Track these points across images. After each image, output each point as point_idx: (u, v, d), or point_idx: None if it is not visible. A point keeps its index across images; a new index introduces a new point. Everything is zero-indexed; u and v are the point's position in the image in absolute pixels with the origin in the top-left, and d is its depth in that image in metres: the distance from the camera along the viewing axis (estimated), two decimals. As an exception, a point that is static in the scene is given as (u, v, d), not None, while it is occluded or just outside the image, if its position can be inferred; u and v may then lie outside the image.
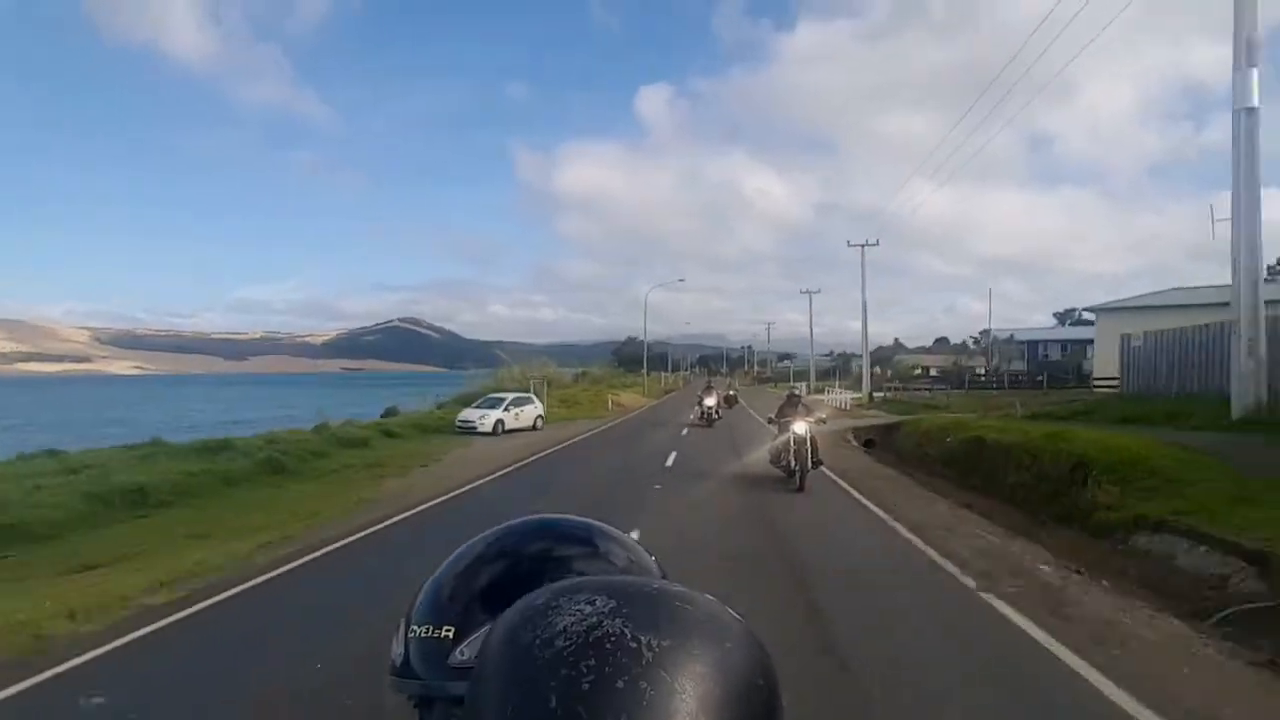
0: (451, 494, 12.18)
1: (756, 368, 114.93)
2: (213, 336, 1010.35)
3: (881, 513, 10.04)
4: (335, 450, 17.43)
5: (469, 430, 22.16)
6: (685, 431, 22.78)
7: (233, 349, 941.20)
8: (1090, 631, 5.26)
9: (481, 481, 13.65)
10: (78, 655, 5.12)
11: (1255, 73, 12.85)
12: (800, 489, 11.17)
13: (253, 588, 6.88)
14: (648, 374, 61.26)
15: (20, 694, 4.51)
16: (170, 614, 6.03)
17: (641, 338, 70.51)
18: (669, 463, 15.47)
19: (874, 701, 4.24)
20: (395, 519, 10.07)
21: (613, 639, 0.48)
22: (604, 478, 13.93)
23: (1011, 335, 50.04)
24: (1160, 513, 7.82)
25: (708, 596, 0.57)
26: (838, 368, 75.94)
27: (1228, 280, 13.70)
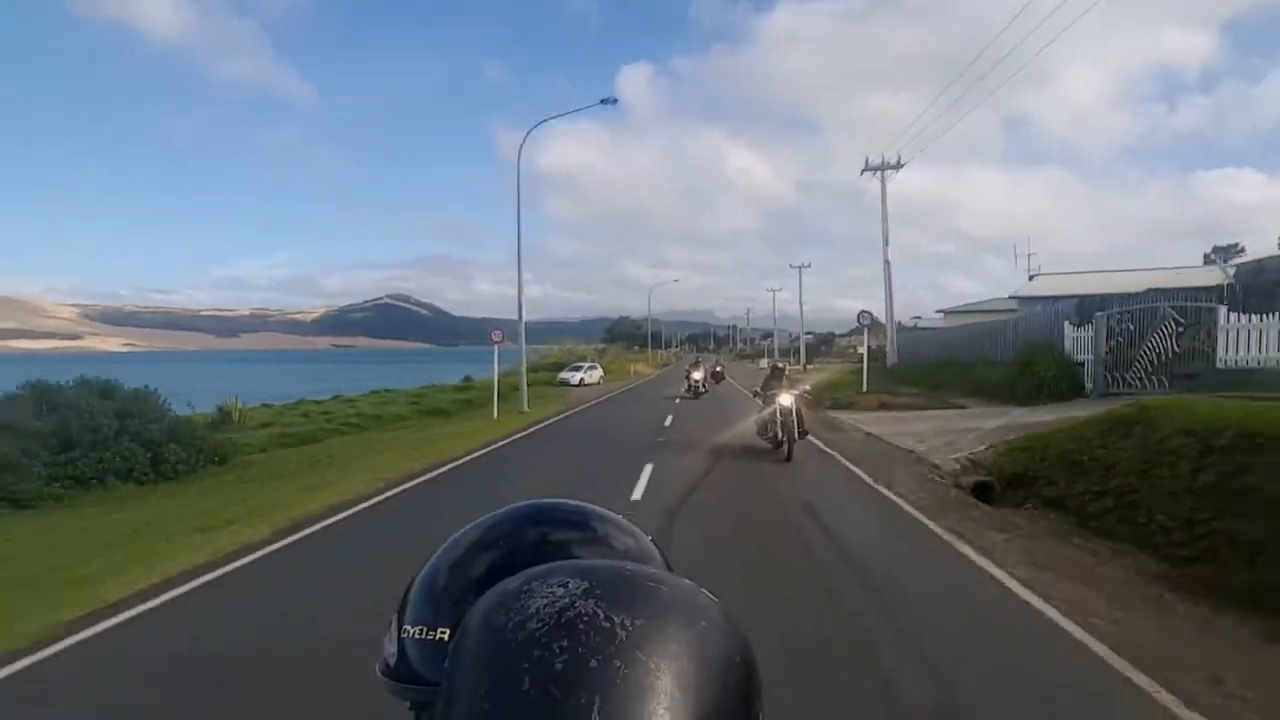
0: (588, 405, 25.25)
1: (740, 345, 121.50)
2: (202, 313, 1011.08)
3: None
4: (488, 399, 29.72)
5: (565, 384, 35.32)
6: (678, 401, 25.02)
7: (223, 325, 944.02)
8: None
9: (598, 401, 26.88)
10: (421, 477, 11.29)
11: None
12: (788, 459, 11.15)
13: (491, 451, 14.25)
14: (651, 350, 75.50)
15: (432, 479, 10.94)
16: (442, 467, 12.03)
17: (631, 316, 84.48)
18: (685, 385, 26.97)
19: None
20: (577, 409, 23.10)
21: (585, 619, 0.48)
22: (647, 401, 26.38)
23: (916, 321, 54.05)
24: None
25: (682, 578, 0.58)
26: (821, 344, 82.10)
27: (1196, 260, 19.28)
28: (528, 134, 23.44)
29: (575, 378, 36.48)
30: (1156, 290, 17.77)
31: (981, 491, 8.76)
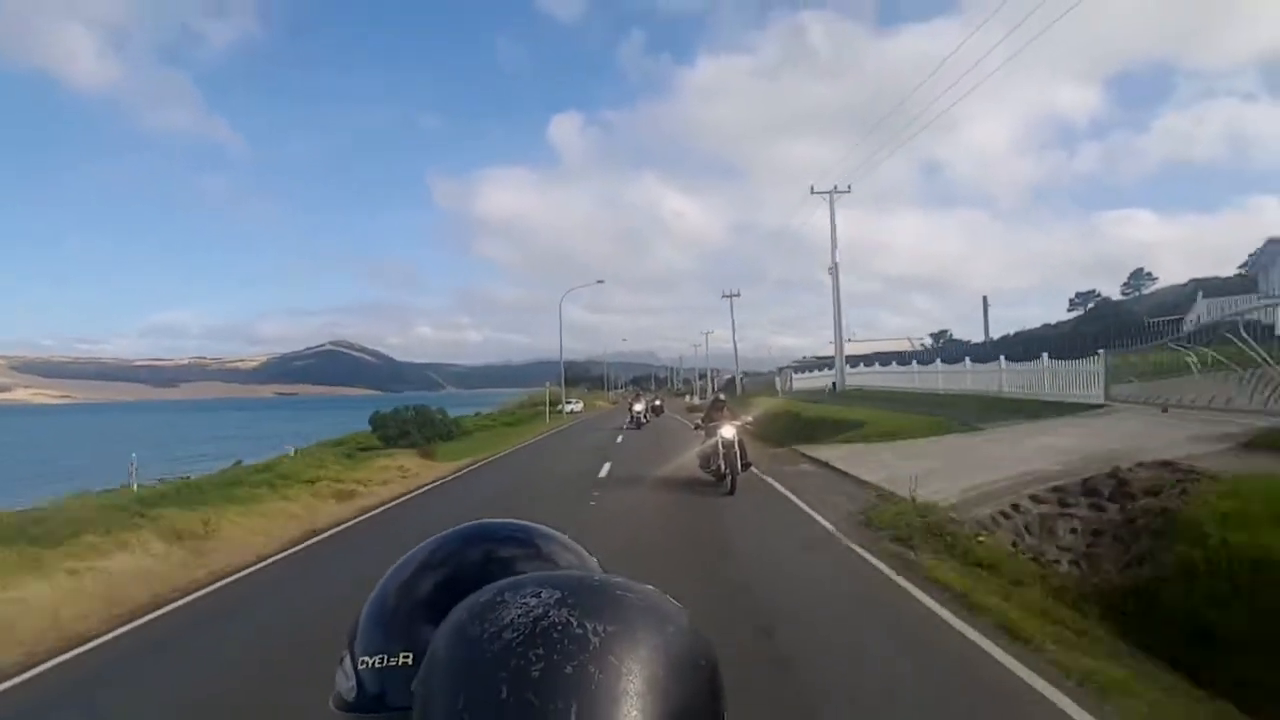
0: (582, 420, 44.71)
1: (680, 385, 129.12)
2: (136, 363, 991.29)
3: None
4: (497, 424, 48.57)
5: (567, 413, 54.69)
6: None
7: (159, 376, 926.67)
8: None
9: (589, 419, 46.36)
10: (546, 434, 37.17)
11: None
12: (731, 493, 10.79)
13: (558, 431, 37.33)
14: (605, 390, 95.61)
15: (548, 437, 35.10)
16: (548, 434, 33.84)
17: (577, 360, 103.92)
18: (629, 418, 34.09)
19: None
20: (572, 425, 42.14)
21: (559, 628, 0.50)
22: (610, 417, 43.77)
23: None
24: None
25: (648, 586, 0.60)
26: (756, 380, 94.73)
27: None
28: (565, 294, 38.36)
29: (569, 408, 55.77)
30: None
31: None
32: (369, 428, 30.62)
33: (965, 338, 65.20)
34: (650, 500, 11.76)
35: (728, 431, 11.29)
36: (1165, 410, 12.54)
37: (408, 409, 31.06)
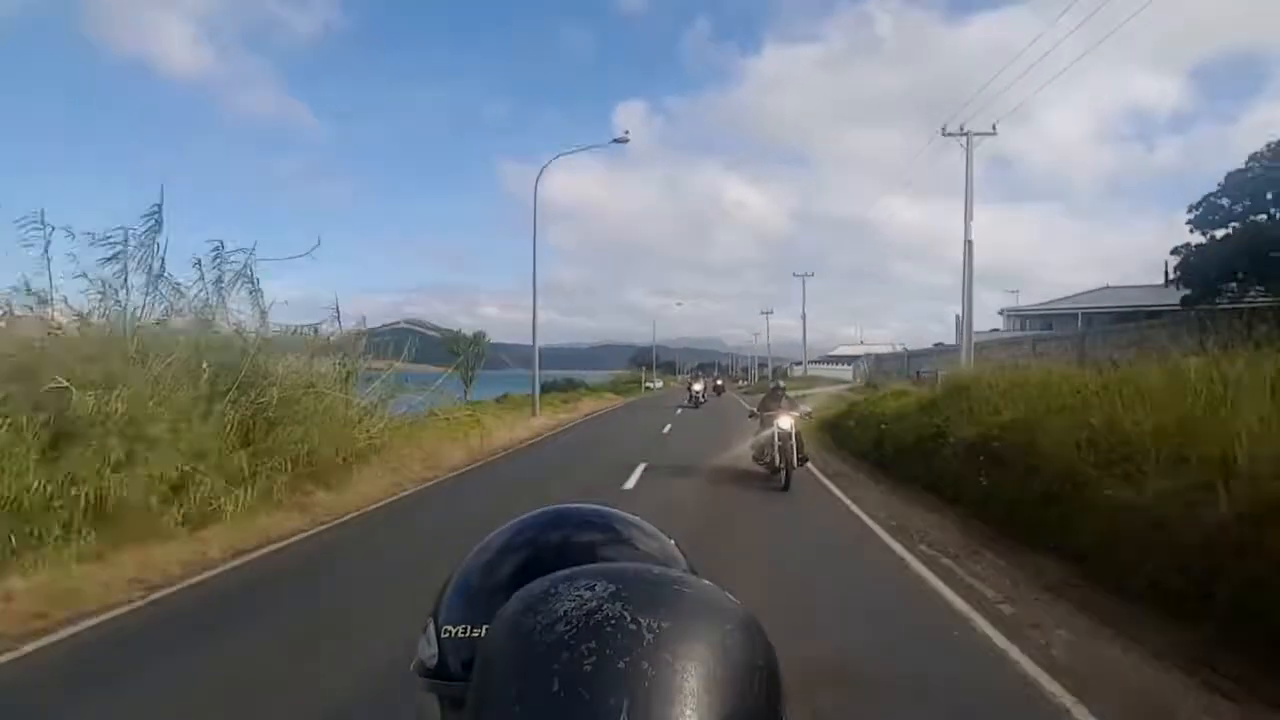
0: (660, 394, 55.26)
1: (743, 372, 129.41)
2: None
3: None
4: (606, 391, 58.78)
5: (649, 389, 66.02)
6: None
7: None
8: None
9: (665, 394, 57.00)
10: (634, 397, 48.39)
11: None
12: (785, 488, 10.19)
13: (645, 397, 49.30)
14: (675, 374, 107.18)
15: (634, 402, 46.56)
16: (637, 397, 49.10)
17: (638, 344, 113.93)
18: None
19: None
20: (657, 394, 53.04)
21: (613, 622, 0.49)
22: (678, 394, 49.68)
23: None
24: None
25: (707, 582, 0.59)
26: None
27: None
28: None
29: (655, 386, 67.32)
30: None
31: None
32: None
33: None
34: (702, 443, 16.05)
35: (784, 422, 10.64)
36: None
37: (563, 380, 43.80)
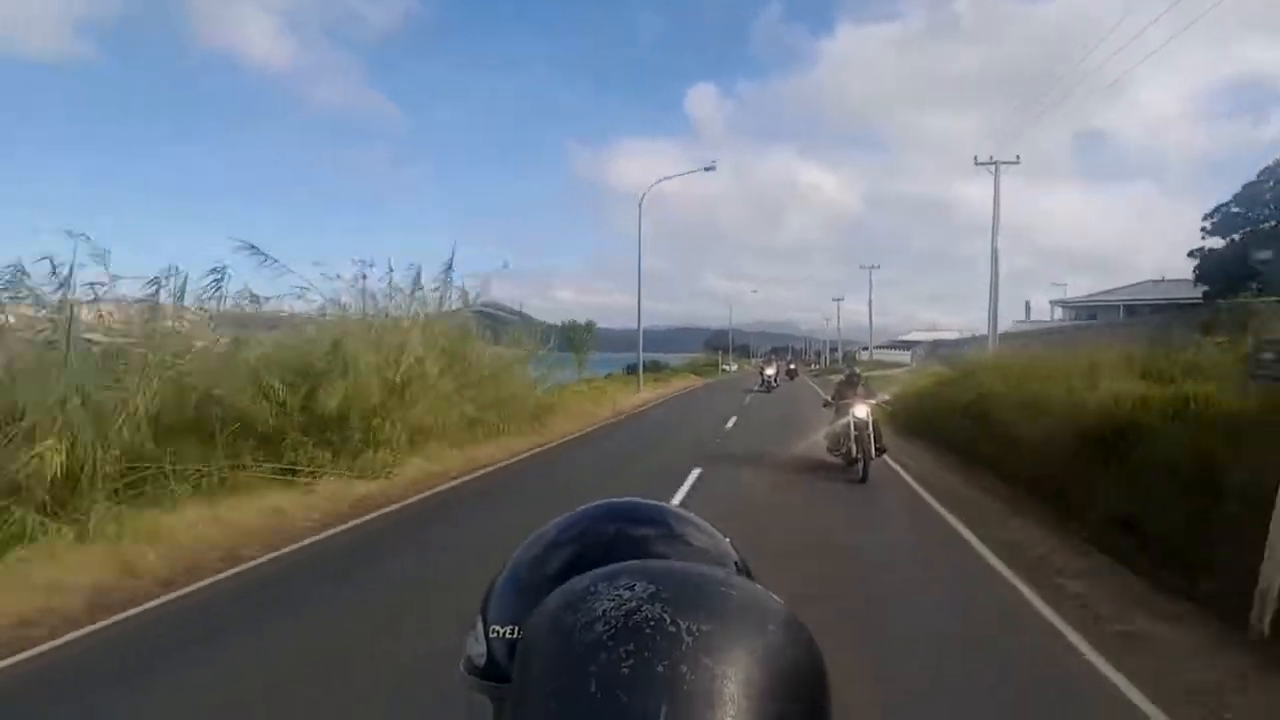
0: (735, 377, 60.02)
1: (815, 356, 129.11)
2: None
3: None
4: (687, 373, 64.42)
5: (725, 371, 71.12)
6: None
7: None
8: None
9: (740, 377, 62.15)
10: (715, 380, 54.20)
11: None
12: (863, 480, 10.02)
13: (724, 379, 54.56)
14: (749, 357, 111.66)
15: (716, 382, 52.36)
16: (716, 379, 54.34)
17: (713, 327, 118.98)
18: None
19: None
20: (733, 376, 57.75)
21: (652, 624, 0.48)
22: (750, 378, 53.46)
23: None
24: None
25: (752, 583, 0.58)
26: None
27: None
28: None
29: (731, 368, 72.16)
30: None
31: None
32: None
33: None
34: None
35: (860, 410, 10.34)
36: None
37: (651, 362, 49.00)
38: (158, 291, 9.62)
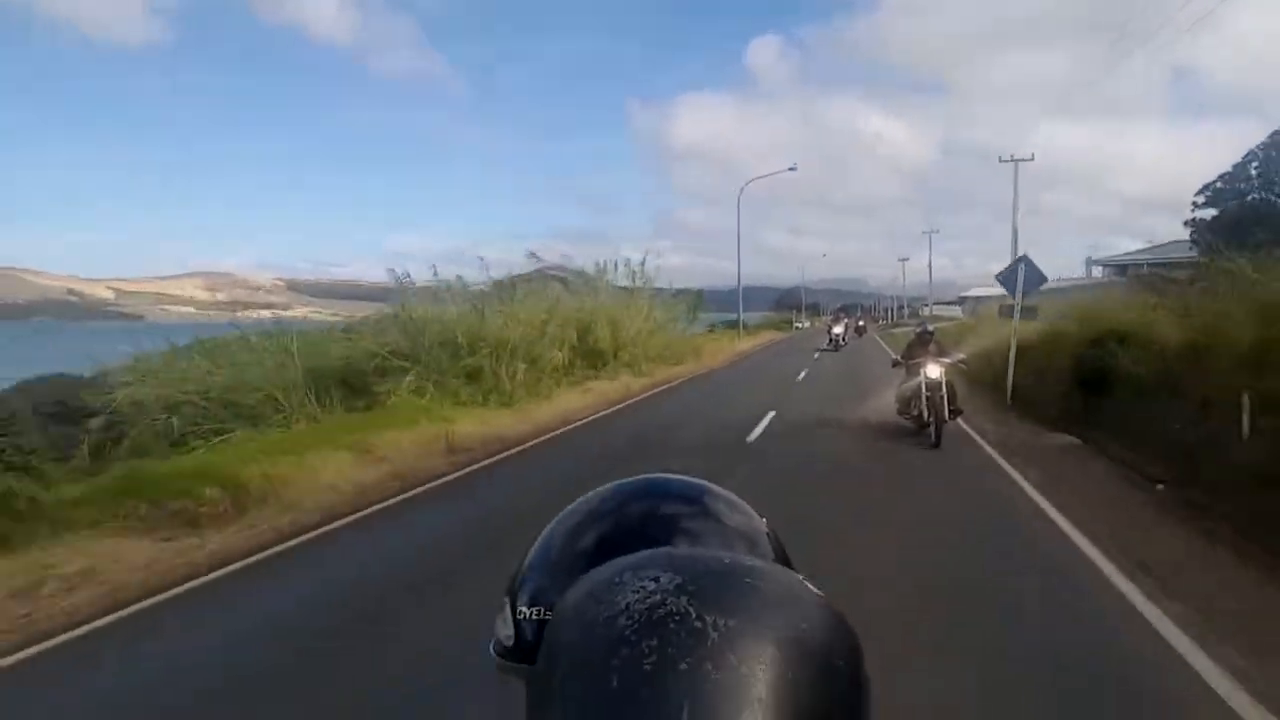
0: (815, 331, 67.72)
1: (884, 313, 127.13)
2: (382, 285, 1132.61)
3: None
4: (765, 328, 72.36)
5: (798, 328, 78.29)
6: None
7: (398, 297, 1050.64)
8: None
9: (814, 330, 69.62)
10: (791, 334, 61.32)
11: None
12: (936, 445, 9.39)
13: (783, 338, 61.30)
14: (818, 315, 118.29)
15: (790, 336, 59.80)
16: (790, 335, 61.77)
17: (785, 286, 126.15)
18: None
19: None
20: (806, 332, 64.41)
21: (676, 618, 0.47)
22: (819, 336, 58.20)
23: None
24: None
25: (785, 570, 0.57)
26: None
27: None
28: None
29: (804, 325, 78.92)
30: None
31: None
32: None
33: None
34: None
35: (933, 370, 9.65)
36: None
37: (721, 321, 56.93)
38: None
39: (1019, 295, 14.04)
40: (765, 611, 0.49)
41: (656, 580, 0.51)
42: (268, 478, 7.67)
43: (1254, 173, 32.76)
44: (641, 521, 0.70)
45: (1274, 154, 32.14)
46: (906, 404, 10.33)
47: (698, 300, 43.52)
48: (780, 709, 0.45)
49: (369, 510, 7.33)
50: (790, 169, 38.00)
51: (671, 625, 0.47)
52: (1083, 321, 12.98)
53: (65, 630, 4.59)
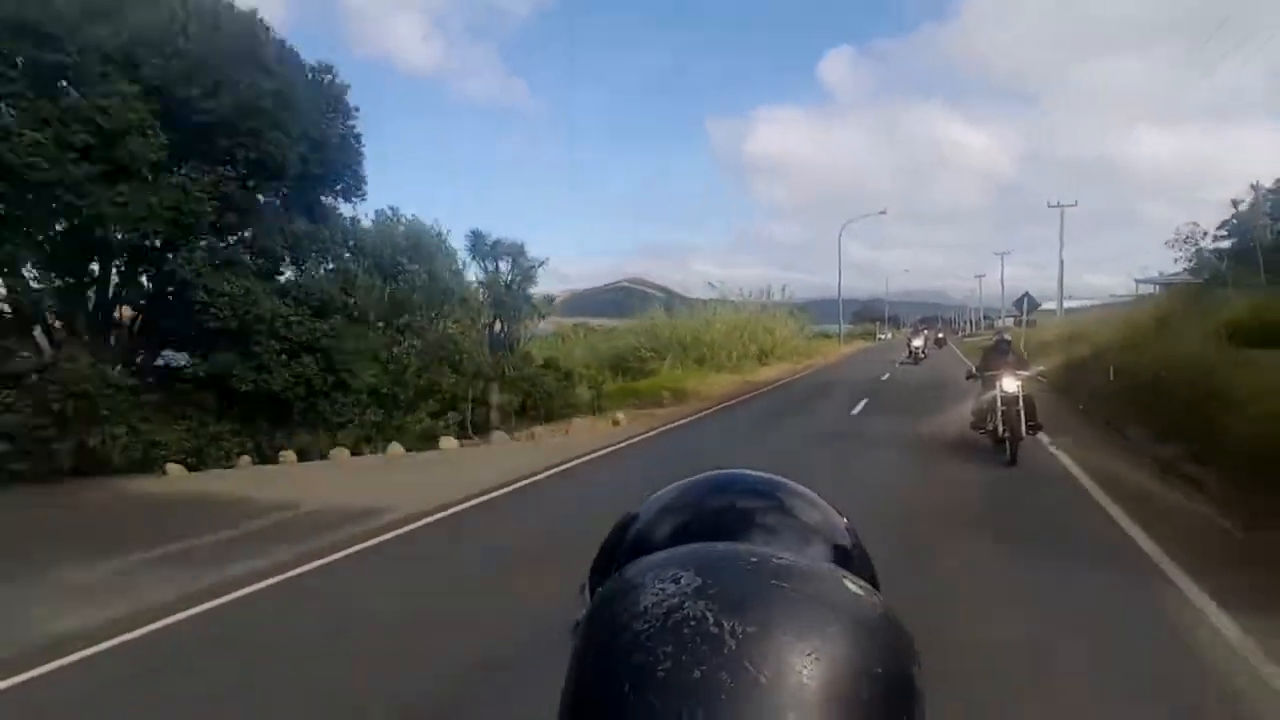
0: (897, 341, 76.24)
1: (968, 325, 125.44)
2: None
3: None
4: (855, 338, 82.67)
5: (881, 339, 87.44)
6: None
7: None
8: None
9: (896, 340, 78.43)
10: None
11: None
12: (1011, 462, 8.93)
13: (870, 346, 70.52)
14: (898, 327, 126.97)
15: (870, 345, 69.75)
16: (867, 346, 70.86)
17: (865, 299, 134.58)
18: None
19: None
20: (889, 342, 72.88)
21: (692, 624, 0.46)
22: (896, 347, 62.30)
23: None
24: None
25: (831, 571, 0.54)
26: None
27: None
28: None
29: (886, 336, 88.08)
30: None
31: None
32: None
33: None
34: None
35: (1009, 383, 9.18)
36: None
37: (820, 331, 67.64)
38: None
39: (1024, 317, 26.30)
40: (789, 618, 0.46)
41: (677, 582, 0.49)
42: (685, 388, 19.69)
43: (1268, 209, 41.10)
44: (717, 515, 0.68)
45: None
46: (982, 418, 9.85)
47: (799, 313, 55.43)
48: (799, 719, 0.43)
49: (734, 401, 18.95)
50: (880, 212, 48.25)
51: (686, 631, 0.45)
52: (1075, 338, 21.02)
53: (626, 439, 12.36)
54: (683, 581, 0.48)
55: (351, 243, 13.92)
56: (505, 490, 8.57)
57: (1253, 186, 22.35)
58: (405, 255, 14.92)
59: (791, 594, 0.48)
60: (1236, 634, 3.96)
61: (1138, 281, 56.82)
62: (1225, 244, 23.47)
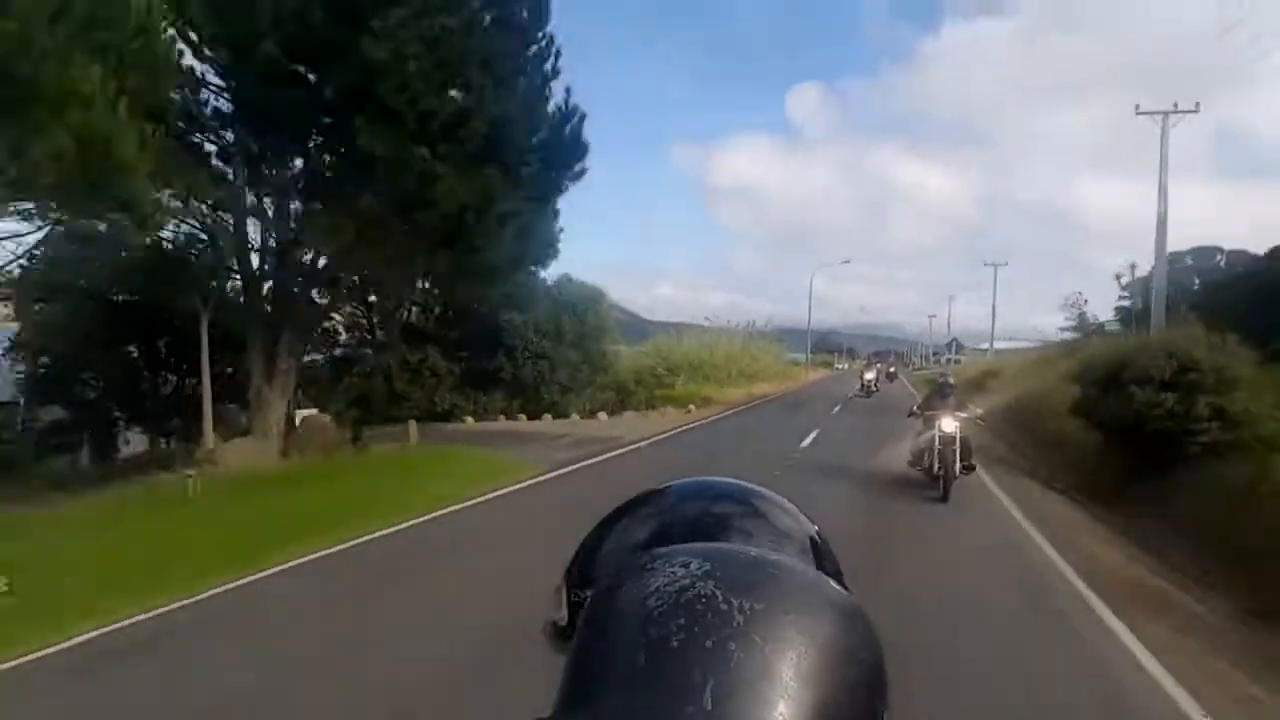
0: (851, 372, 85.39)
1: (917, 359, 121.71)
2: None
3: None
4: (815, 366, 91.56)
5: (838, 369, 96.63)
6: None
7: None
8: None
9: (851, 371, 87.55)
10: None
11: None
12: (943, 499, 9.57)
13: (826, 376, 79.30)
14: (854, 359, 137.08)
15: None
16: (827, 374, 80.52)
17: (817, 329, 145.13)
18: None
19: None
20: (845, 372, 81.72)
21: (704, 600, 0.49)
22: (852, 377, 72.79)
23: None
24: None
25: (809, 568, 0.60)
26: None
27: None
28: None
29: (842, 366, 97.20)
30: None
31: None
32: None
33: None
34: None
35: (947, 424, 9.74)
36: None
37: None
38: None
39: (951, 359, 35.08)
40: (789, 600, 0.51)
41: (686, 566, 0.53)
42: (709, 396, 27.91)
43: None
44: (695, 518, 0.71)
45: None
46: (919, 456, 10.23)
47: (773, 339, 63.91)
48: (800, 692, 0.47)
49: (751, 404, 27.60)
50: (845, 262, 56.90)
51: (699, 606, 0.49)
52: (989, 373, 32.26)
53: (700, 420, 22.00)
54: (692, 566, 0.53)
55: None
56: (666, 435, 17.04)
57: (1131, 266, 27.67)
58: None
59: (791, 582, 0.54)
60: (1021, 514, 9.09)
61: (1060, 330, 67.58)
62: (1126, 303, 27.92)
